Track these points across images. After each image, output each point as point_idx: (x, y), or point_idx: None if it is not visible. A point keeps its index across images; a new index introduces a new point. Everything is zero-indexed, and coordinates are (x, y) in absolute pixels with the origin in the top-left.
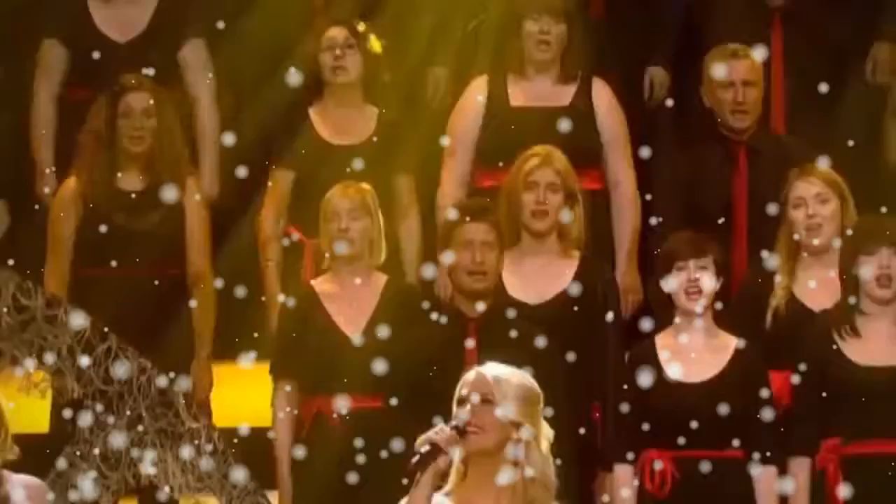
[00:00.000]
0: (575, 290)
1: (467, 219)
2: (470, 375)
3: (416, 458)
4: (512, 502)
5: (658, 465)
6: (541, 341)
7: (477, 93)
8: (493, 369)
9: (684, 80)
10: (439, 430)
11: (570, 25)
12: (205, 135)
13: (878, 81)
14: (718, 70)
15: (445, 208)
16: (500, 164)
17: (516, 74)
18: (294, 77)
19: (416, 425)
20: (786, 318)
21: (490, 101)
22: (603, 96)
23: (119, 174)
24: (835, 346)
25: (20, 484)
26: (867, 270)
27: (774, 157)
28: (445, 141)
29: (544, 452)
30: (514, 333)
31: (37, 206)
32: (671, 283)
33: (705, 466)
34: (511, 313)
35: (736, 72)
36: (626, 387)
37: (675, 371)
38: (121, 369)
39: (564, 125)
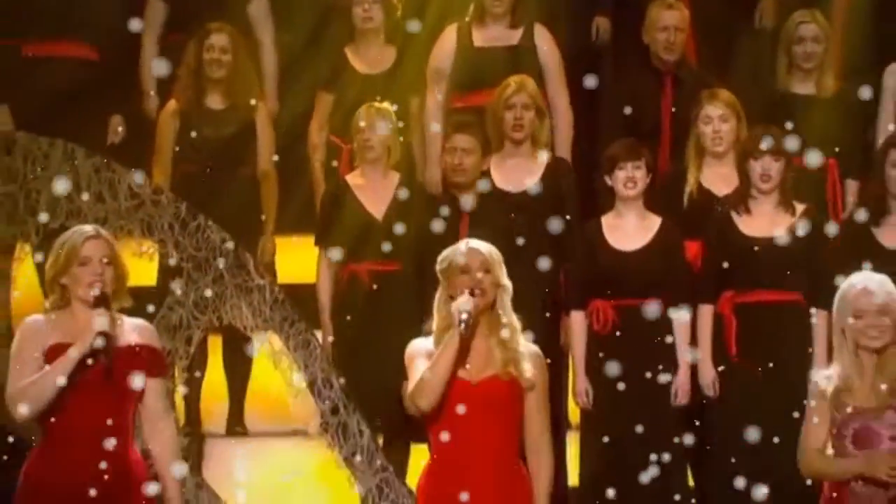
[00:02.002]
0: (544, 181)
1: (453, 131)
2: (463, 248)
3: (462, 326)
4: (502, 346)
5: (601, 311)
6: (513, 221)
7: (449, 37)
8: (481, 244)
9: (626, 25)
10: (468, 300)
11: None
12: (268, 68)
13: (764, 26)
14: (659, 16)
15: (429, 123)
16: (468, 89)
17: (478, 23)
18: (334, 24)
19: (422, 283)
20: (696, 201)
21: (459, 43)
22: (543, 37)
23: (206, 97)
24: (731, 222)
25: (133, 325)
26: (755, 169)
27: (692, 84)
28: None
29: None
30: (497, 216)
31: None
32: (614, 178)
33: (637, 312)
34: (495, 199)
35: (671, 18)
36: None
37: (615, 241)
38: (207, 240)
39: (513, 60)
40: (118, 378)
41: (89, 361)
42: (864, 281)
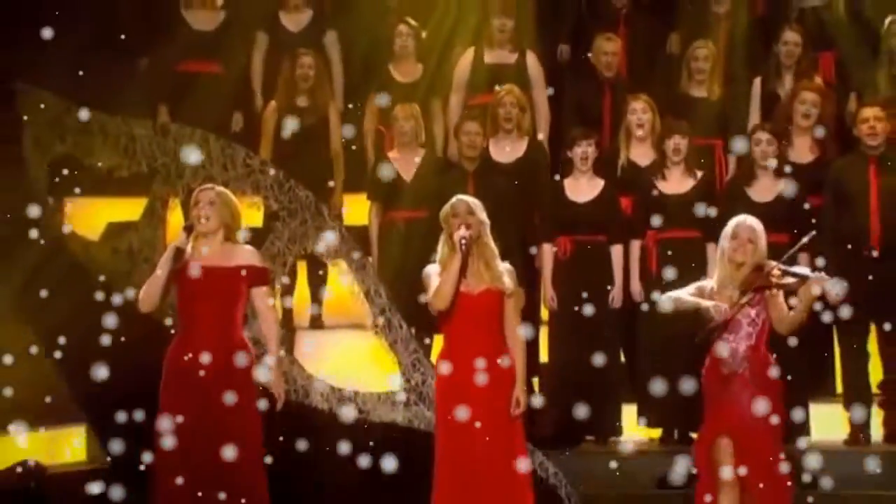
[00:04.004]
0: (527, 155)
1: (466, 119)
2: (453, 200)
3: (464, 248)
4: (486, 266)
5: (563, 244)
6: (505, 182)
7: (468, 57)
8: (466, 197)
9: (580, 51)
10: (464, 231)
11: (516, 21)
12: (336, 79)
13: (673, 50)
14: (601, 45)
15: (454, 116)
16: (480, 92)
17: (488, 47)
18: (381, 49)
19: (437, 226)
20: (626, 170)
21: (474, 62)
22: (531, 58)
23: (296, 98)
24: (652, 183)
25: (246, 250)
26: (668, 146)
27: (623, 90)
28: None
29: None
30: (493, 180)
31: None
32: (573, 153)
33: (587, 244)
34: (492, 168)
35: (609, 46)
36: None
37: (573, 196)
38: (296, 195)
39: (512, 73)
40: (230, 284)
41: (193, 273)
42: (740, 220)
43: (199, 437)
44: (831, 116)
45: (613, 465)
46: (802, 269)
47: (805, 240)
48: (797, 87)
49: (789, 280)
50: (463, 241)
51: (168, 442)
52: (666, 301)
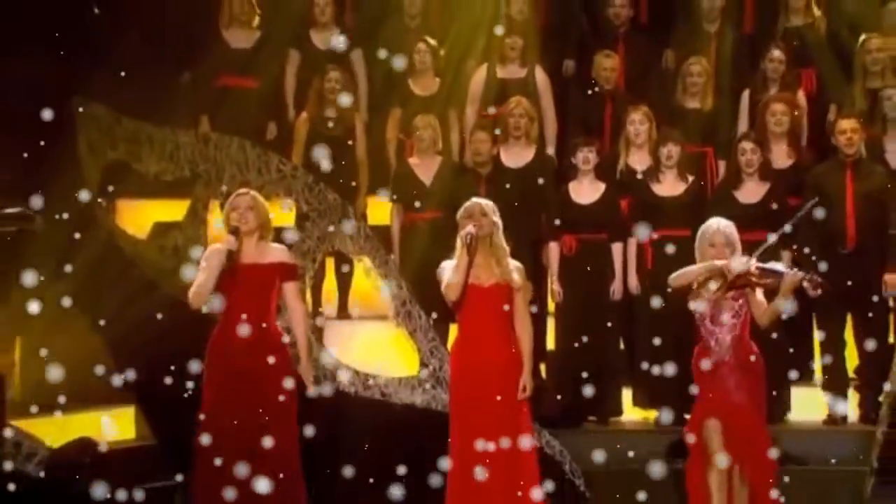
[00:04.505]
0: (535, 161)
1: (478, 129)
2: (467, 203)
3: (469, 244)
4: (497, 263)
5: (568, 242)
6: (515, 185)
7: (482, 72)
8: (480, 199)
9: (583, 66)
10: (470, 228)
11: (525, 39)
12: (362, 92)
13: (668, 66)
14: (601, 61)
15: (469, 125)
16: (492, 105)
17: (500, 64)
18: (400, 68)
19: (455, 226)
20: (625, 174)
21: (487, 76)
22: (540, 73)
23: (325, 110)
24: (648, 187)
25: (278, 248)
26: (663, 153)
27: (622, 101)
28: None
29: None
30: (504, 183)
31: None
32: (576, 158)
33: (590, 242)
34: (502, 173)
35: (608, 62)
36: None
37: (576, 198)
38: (325, 198)
39: (522, 86)
40: (265, 279)
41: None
42: (713, 228)
43: (238, 415)
44: (800, 122)
45: (613, 442)
46: (779, 267)
47: (774, 237)
48: (767, 100)
49: (767, 279)
50: (468, 238)
51: (209, 420)
52: (675, 277)
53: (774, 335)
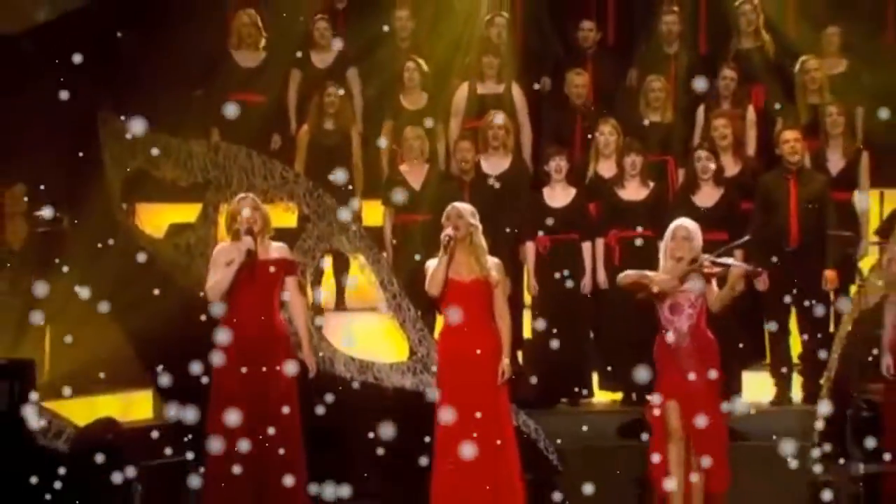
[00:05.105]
0: (512, 168)
1: (461, 140)
2: (448, 208)
3: (446, 245)
4: (476, 260)
5: (542, 242)
6: (494, 191)
7: (463, 89)
8: (460, 204)
9: (557, 83)
10: (450, 231)
11: (501, 58)
12: (357, 106)
13: (632, 83)
14: (572, 79)
15: (453, 136)
16: (473, 117)
17: (479, 81)
18: (395, 82)
19: (441, 227)
20: (594, 181)
21: (469, 92)
22: (516, 89)
23: (324, 123)
24: (615, 192)
25: (279, 246)
26: (627, 162)
27: (592, 115)
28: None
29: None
30: (484, 189)
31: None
32: (549, 166)
33: (562, 242)
34: (483, 180)
35: (579, 80)
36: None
37: (550, 202)
38: (323, 202)
39: (499, 101)
40: (268, 275)
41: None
42: (678, 223)
43: (245, 394)
44: (743, 133)
45: (583, 422)
46: (727, 260)
47: (739, 242)
48: (710, 116)
49: (717, 270)
50: (445, 238)
51: (219, 402)
52: (621, 277)
53: (728, 324)
